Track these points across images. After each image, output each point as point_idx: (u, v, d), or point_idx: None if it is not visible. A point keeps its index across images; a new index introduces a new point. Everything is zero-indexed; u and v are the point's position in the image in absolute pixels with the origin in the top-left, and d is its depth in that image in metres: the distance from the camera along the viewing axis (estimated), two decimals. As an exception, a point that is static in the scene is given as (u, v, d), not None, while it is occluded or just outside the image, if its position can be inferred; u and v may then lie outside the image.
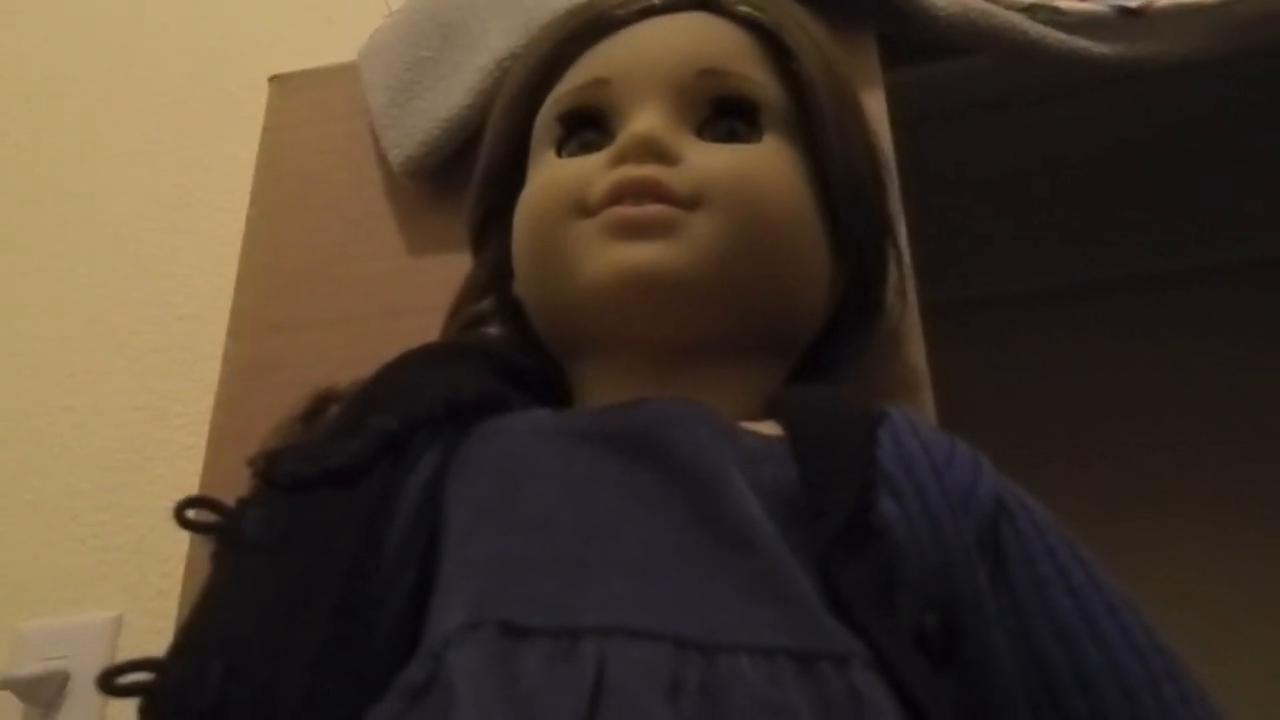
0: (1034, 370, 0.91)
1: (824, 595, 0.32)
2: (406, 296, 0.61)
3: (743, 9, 0.46)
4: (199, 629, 0.33)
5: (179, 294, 0.89)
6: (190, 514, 0.36)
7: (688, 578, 0.32)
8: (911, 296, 0.53)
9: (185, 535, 0.66)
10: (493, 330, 0.51)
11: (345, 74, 0.70)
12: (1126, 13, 0.60)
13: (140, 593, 0.80)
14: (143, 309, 0.90)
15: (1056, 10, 0.60)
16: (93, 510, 0.85)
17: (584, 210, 0.41)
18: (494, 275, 0.49)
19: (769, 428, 0.39)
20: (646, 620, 0.30)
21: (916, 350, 0.53)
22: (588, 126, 0.45)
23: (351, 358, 0.44)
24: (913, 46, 0.61)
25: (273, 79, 0.72)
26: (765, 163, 0.43)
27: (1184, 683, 0.34)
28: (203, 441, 0.63)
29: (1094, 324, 0.92)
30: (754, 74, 0.44)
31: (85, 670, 0.74)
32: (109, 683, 0.31)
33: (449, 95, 0.63)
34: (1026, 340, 0.91)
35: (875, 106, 0.58)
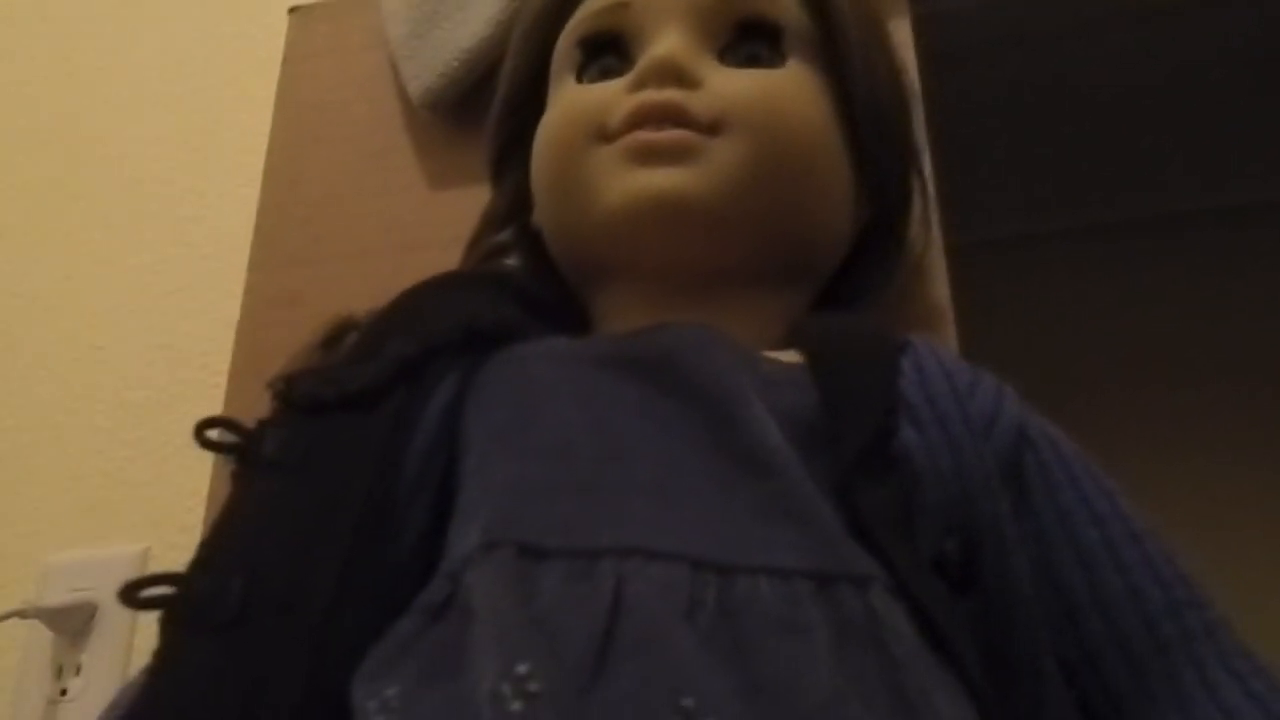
0: (1058, 310, 0.90)
1: (843, 519, 0.32)
2: (426, 230, 0.61)
3: None
4: (220, 545, 0.33)
5: (200, 232, 0.89)
6: (211, 434, 0.36)
7: (706, 500, 0.31)
8: (936, 231, 0.52)
9: (209, 470, 0.67)
10: (512, 262, 0.51)
11: (364, 5, 0.70)
12: (1164, -60, 0.58)
13: (166, 527, 0.81)
14: (164, 248, 0.91)
15: (1091, -63, 0.58)
16: (118, 446, 0.86)
17: (604, 136, 0.41)
18: (513, 206, 0.49)
19: (790, 356, 0.38)
20: (664, 541, 0.30)
21: (940, 286, 0.53)
22: (608, 51, 0.44)
23: (371, 291, 0.44)
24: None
25: (292, 10, 0.72)
26: (788, 88, 0.42)
27: (1208, 612, 0.33)
28: (224, 380, 0.63)
29: (1121, 264, 0.91)
30: None
31: (113, 601, 0.76)
32: (131, 595, 0.31)
33: (468, 25, 0.62)
34: (1052, 280, 0.90)
35: (902, 37, 0.57)
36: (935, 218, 0.52)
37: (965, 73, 0.68)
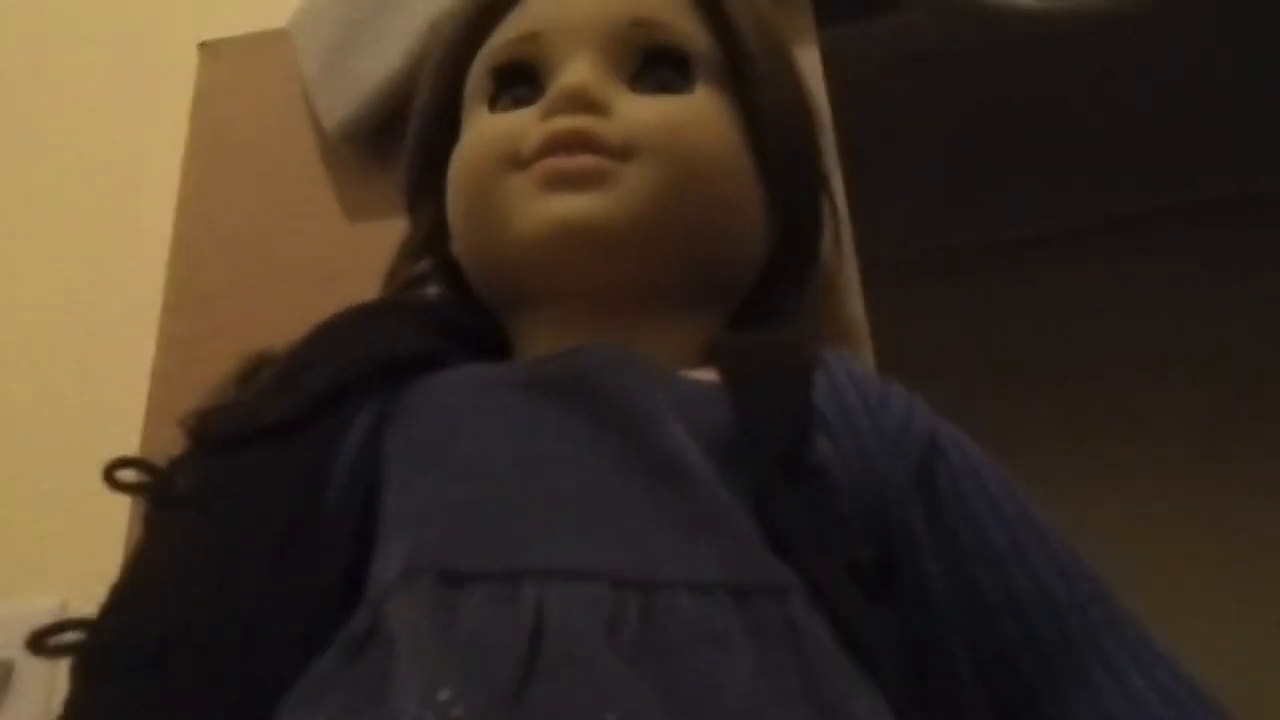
0: (972, 322, 0.92)
1: (761, 531, 0.32)
2: (344, 262, 0.60)
3: None
4: (133, 587, 0.33)
5: (112, 271, 0.87)
6: (122, 475, 0.35)
7: (625, 518, 0.32)
8: (849, 248, 0.53)
9: (127, 516, 0.65)
10: (431, 291, 0.51)
11: (276, 40, 0.69)
12: (1054, -34, 0.60)
13: (83, 577, 0.79)
14: (77, 289, 0.88)
15: (986, -36, 0.61)
16: (33, 495, 0.84)
17: (517, 163, 0.41)
18: (430, 235, 0.49)
19: (707, 374, 0.39)
20: (585, 561, 0.30)
21: (855, 302, 0.54)
22: (519, 81, 0.45)
23: (289, 326, 0.44)
24: (847, 2, 0.61)
25: (202, 46, 0.71)
26: (696, 112, 0.43)
27: (1110, 604, 0.35)
28: (141, 413, 0.62)
29: (1031, 277, 0.94)
30: (684, 25, 0.44)
31: (29, 658, 0.73)
32: (41, 644, 0.31)
33: (382, 58, 0.62)
34: (963, 293, 0.93)
35: (810, 61, 0.58)
36: (849, 236, 0.53)
37: (872, 94, 0.70)
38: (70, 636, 0.31)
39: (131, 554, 0.34)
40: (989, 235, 0.91)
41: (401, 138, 0.52)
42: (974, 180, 0.84)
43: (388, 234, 0.53)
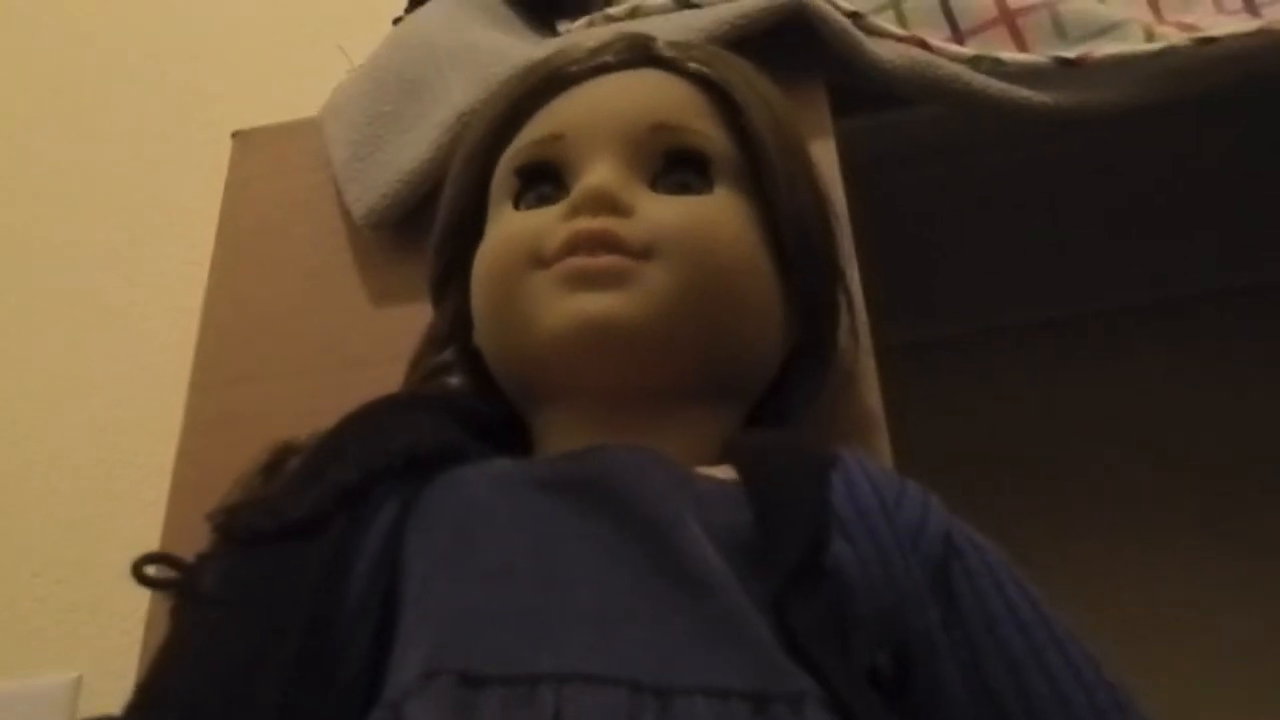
0: (989, 410, 0.93)
1: (778, 636, 0.33)
2: (369, 348, 0.61)
3: (693, 66, 0.47)
4: (157, 684, 0.33)
5: (141, 347, 0.89)
6: (149, 570, 0.36)
7: (643, 623, 0.32)
8: (865, 340, 0.54)
9: (147, 592, 0.65)
10: (454, 381, 0.52)
11: (307, 129, 0.71)
12: (1065, 63, 0.62)
13: (101, 652, 0.79)
14: (104, 362, 0.90)
15: (998, 61, 0.62)
16: (53, 567, 0.84)
17: (541, 262, 0.42)
18: (454, 326, 0.50)
19: (725, 472, 0.39)
20: (603, 666, 0.30)
21: (871, 391, 0.54)
22: (544, 180, 0.46)
23: (314, 410, 0.45)
24: (863, 95, 0.63)
25: (235, 134, 0.73)
26: (716, 214, 0.44)
27: (1129, 713, 0.35)
28: (164, 496, 0.62)
29: (1045, 361, 0.95)
30: (704, 128, 0.46)
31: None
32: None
33: (411, 149, 0.64)
34: (980, 380, 0.93)
35: (826, 153, 0.60)
36: (865, 329, 0.54)
37: (889, 183, 0.72)
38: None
39: (158, 649, 0.35)
40: (1003, 322, 0.92)
41: (428, 227, 0.53)
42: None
43: (413, 320, 0.55)
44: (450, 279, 0.50)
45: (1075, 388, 0.94)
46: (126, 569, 0.36)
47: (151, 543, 0.59)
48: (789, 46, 0.60)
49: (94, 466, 0.88)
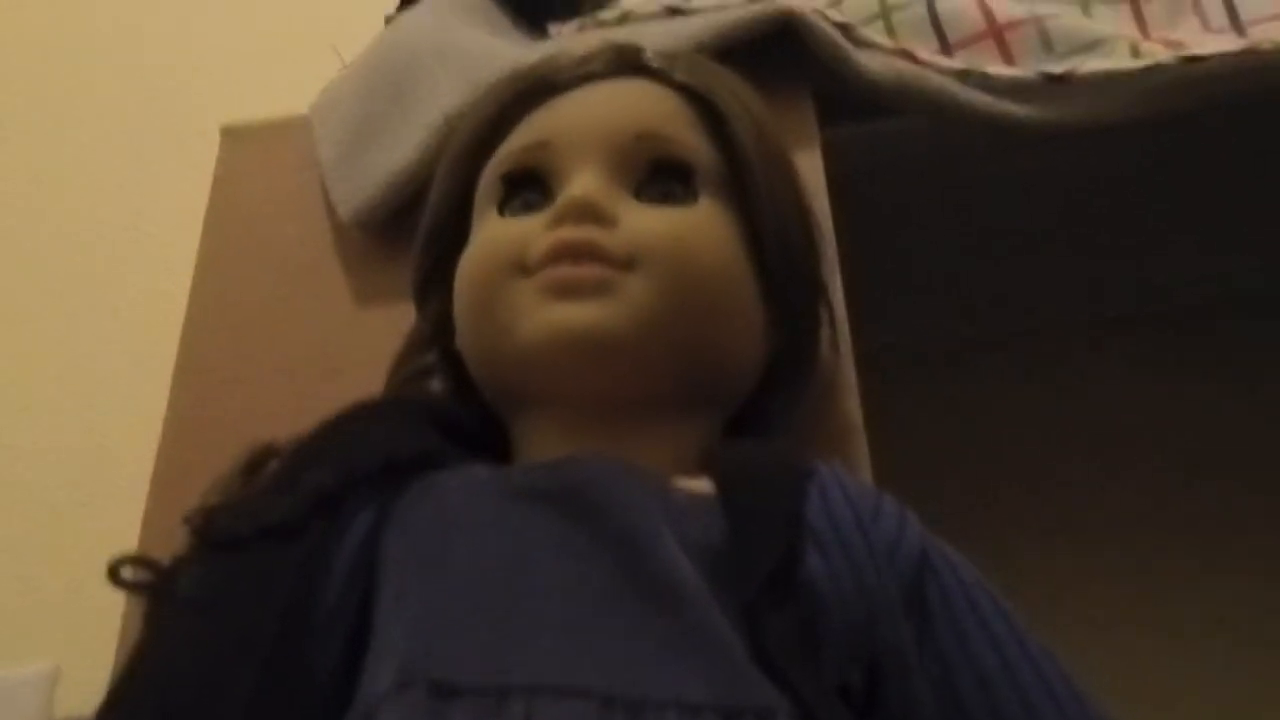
0: (968, 419, 0.93)
1: (749, 648, 0.33)
2: (352, 349, 0.61)
3: (679, 76, 0.47)
4: (130, 685, 0.33)
5: (124, 339, 0.89)
6: (124, 572, 0.36)
7: (616, 635, 0.32)
8: (846, 350, 0.54)
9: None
10: (435, 384, 0.52)
11: (296, 126, 0.71)
12: (1051, 79, 0.62)
13: (80, 642, 0.79)
14: (87, 354, 0.90)
15: (986, 76, 0.63)
16: (32, 556, 0.84)
17: (523, 269, 0.42)
18: (436, 330, 0.50)
19: (702, 483, 0.40)
20: (574, 678, 0.31)
21: (851, 401, 0.55)
22: (529, 186, 0.46)
23: (296, 410, 0.45)
24: (850, 105, 0.63)
25: (224, 130, 0.73)
26: (699, 224, 0.44)
27: None
28: (145, 487, 0.62)
29: (1027, 372, 0.95)
30: (689, 139, 0.46)
31: (24, 726, 0.73)
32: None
33: (399, 149, 0.64)
34: (960, 389, 0.94)
35: (811, 162, 0.60)
36: (846, 340, 0.54)
37: (875, 192, 0.72)
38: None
39: (132, 649, 0.35)
40: (983, 332, 0.93)
41: (413, 228, 0.53)
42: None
43: (397, 320, 0.55)
44: (433, 282, 0.50)
45: (1057, 398, 0.94)
46: (104, 560, 0.36)
47: (131, 533, 0.59)
48: (777, 55, 0.61)
49: (74, 457, 0.88)
